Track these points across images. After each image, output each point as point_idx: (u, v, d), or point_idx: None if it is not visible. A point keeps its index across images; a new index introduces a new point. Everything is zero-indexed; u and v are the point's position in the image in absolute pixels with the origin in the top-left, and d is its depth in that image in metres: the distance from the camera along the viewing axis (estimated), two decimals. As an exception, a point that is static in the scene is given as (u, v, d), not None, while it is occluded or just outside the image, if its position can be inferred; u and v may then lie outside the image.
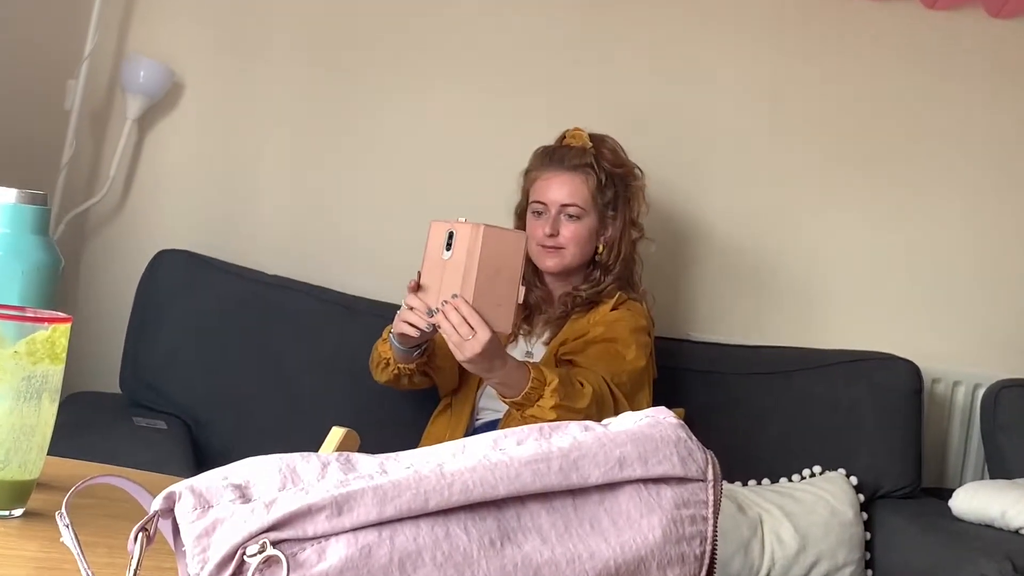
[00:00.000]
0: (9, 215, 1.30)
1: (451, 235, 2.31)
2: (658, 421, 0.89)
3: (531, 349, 2.81)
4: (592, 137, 2.82)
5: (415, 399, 2.91)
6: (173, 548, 0.80)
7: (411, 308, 2.40)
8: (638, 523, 0.84)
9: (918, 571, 2.87)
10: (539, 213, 2.80)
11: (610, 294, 2.79)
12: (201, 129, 3.25)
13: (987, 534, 2.85)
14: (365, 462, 0.82)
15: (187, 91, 3.23)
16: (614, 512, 0.84)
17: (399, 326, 2.47)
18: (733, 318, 3.45)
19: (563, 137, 2.85)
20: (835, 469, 3.09)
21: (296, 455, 0.82)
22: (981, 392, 3.38)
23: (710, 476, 0.87)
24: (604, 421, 0.91)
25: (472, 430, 2.74)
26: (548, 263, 2.80)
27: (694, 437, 0.89)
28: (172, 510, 0.79)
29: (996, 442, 3.24)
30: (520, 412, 2.43)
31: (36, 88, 3.01)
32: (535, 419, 2.37)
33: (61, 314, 1.17)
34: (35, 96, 3.00)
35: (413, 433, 2.81)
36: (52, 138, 3.03)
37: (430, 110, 3.33)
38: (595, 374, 2.54)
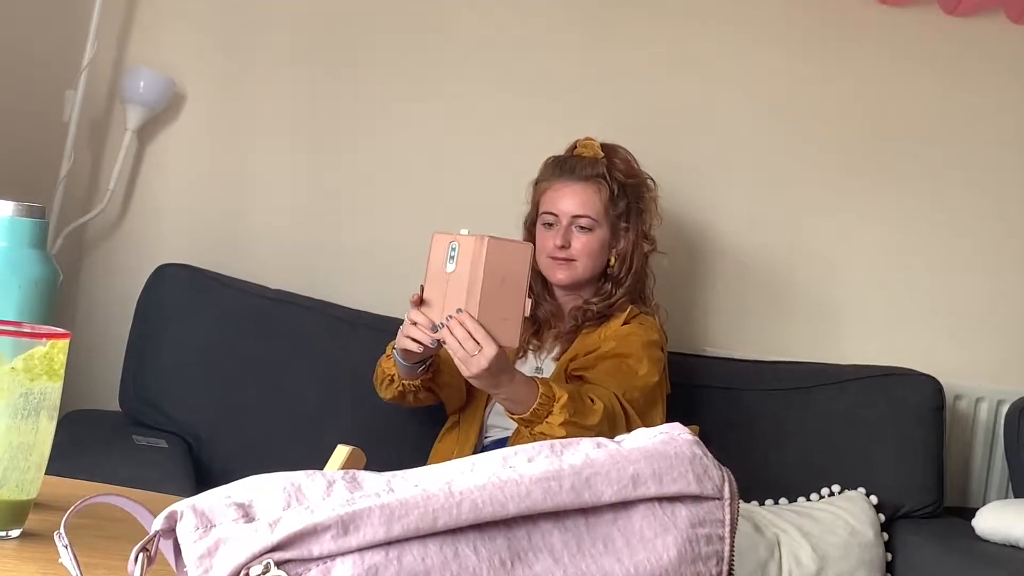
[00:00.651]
0: (6, 229, 1.30)
1: (454, 247, 2.29)
2: (673, 438, 0.88)
3: (541, 365, 2.79)
4: (604, 147, 2.81)
5: (422, 417, 2.89)
6: (175, 569, 0.79)
7: (414, 323, 2.38)
8: (652, 543, 0.83)
9: (941, 593, 2.87)
10: (549, 224, 2.78)
11: (621, 308, 2.77)
12: (202, 141, 3.24)
13: (1012, 555, 2.84)
14: (372, 480, 0.82)
15: (188, 102, 3.21)
16: (628, 531, 0.83)
17: (402, 342, 2.45)
18: (749, 333, 3.43)
19: (574, 147, 2.84)
20: (855, 488, 3.08)
21: (301, 473, 0.82)
22: (1005, 408, 3.38)
23: (727, 494, 0.87)
24: (617, 438, 0.90)
25: (481, 448, 2.73)
26: (558, 276, 2.78)
27: (710, 454, 0.88)
28: (174, 530, 0.79)
29: (1021, 459, 3.22)
30: (528, 429, 2.41)
31: (34, 99, 2.99)
32: (544, 436, 2.36)
33: (59, 330, 1.17)
34: (33, 107, 2.99)
35: (420, 451, 2.79)
36: (50, 150, 3.02)
37: (435, 121, 3.32)
38: (606, 390, 2.52)
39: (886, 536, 3.03)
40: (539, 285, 2.81)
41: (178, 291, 3.01)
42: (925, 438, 3.16)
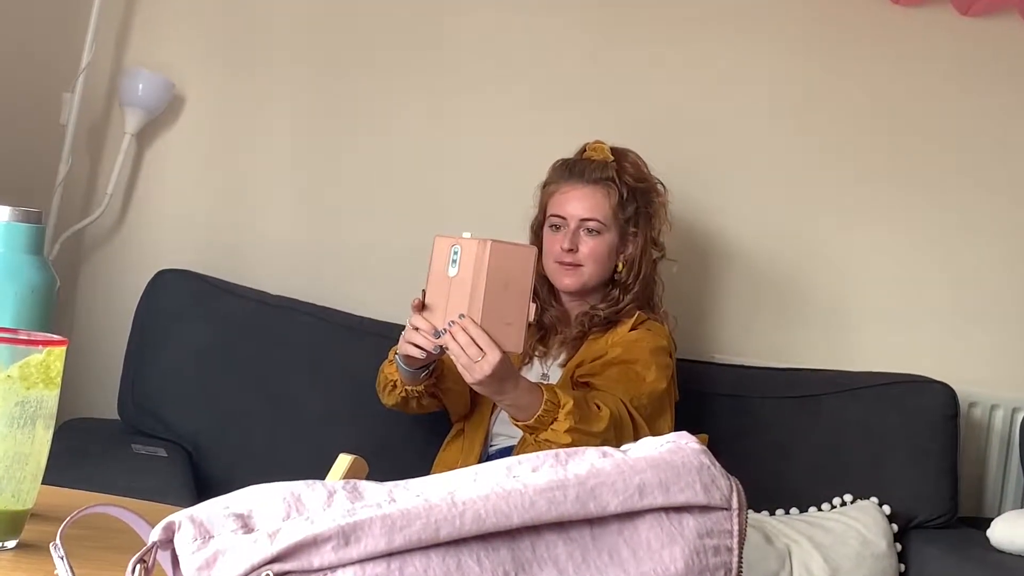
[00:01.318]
0: (2, 234, 1.31)
1: (456, 251, 2.27)
2: (680, 447, 0.88)
3: (547, 371, 2.78)
4: (614, 151, 2.80)
5: (425, 424, 2.87)
6: (173, 580, 0.80)
7: (416, 329, 2.36)
8: (659, 554, 0.83)
9: (956, 605, 2.85)
10: (557, 227, 2.77)
11: (629, 314, 2.75)
12: (202, 144, 3.24)
13: (1029, 566, 2.82)
14: (373, 490, 0.82)
15: (188, 104, 3.21)
16: (634, 542, 0.83)
17: (404, 348, 2.43)
18: (759, 339, 3.41)
19: (583, 150, 2.82)
20: (867, 498, 3.05)
21: (301, 483, 0.82)
22: (1020, 416, 3.35)
23: (735, 504, 0.87)
24: (623, 447, 0.89)
25: (486, 457, 2.71)
26: (565, 281, 2.75)
27: (718, 463, 0.88)
28: (171, 541, 0.79)
29: (1036, 468, 3.21)
30: (533, 436, 2.39)
31: (30, 101, 3.00)
32: (549, 443, 2.34)
33: (56, 337, 1.17)
34: (29, 110, 3.00)
35: (424, 460, 2.78)
36: (47, 154, 3.03)
37: (440, 124, 3.32)
38: (613, 397, 2.50)
39: (899, 547, 3.00)
40: (545, 290, 2.80)
41: (177, 297, 3.01)
42: (939, 447, 3.13)
